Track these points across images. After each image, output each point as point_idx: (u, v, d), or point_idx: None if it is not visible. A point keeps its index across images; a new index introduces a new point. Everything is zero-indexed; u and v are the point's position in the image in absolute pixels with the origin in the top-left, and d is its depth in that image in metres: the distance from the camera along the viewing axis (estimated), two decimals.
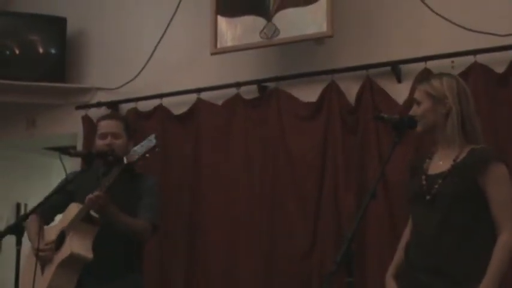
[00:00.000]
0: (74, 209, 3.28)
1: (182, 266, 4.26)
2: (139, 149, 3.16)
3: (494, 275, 2.43)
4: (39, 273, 3.22)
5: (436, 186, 2.58)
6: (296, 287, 3.89)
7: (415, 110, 2.69)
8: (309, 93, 4.08)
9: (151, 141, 3.15)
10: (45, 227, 3.40)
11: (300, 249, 3.90)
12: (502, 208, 2.51)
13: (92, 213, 3.21)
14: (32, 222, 3.32)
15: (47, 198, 3.13)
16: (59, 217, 3.47)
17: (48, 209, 3.37)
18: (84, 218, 3.19)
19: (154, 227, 3.36)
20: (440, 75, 2.75)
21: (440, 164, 2.65)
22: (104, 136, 3.44)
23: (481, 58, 3.54)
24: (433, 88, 2.67)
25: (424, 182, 2.64)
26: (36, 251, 3.20)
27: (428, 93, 2.67)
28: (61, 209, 3.42)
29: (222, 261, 4.13)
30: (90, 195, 3.11)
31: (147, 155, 3.15)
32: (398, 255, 2.78)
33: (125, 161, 3.17)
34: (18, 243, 2.95)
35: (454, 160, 2.59)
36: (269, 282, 3.96)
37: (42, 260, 3.25)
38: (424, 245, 2.58)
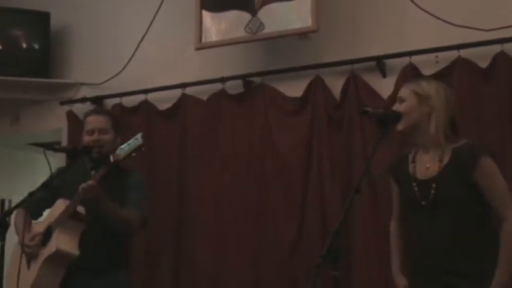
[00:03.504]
0: (60, 205, 3.28)
1: (169, 262, 4.26)
2: (125, 147, 3.15)
3: (507, 262, 2.50)
4: (25, 267, 3.23)
5: (433, 192, 2.61)
6: (283, 280, 3.90)
7: (398, 107, 2.72)
8: (294, 88, 4.08)
9: (137, 139, 3.15)
10: (33, 221, 3.40)
11: (286, 243, 3.91)
12: (499, 198, 2.58)
13: (79, 209, 3.21)
14: (19, 217, 3.32)
15: (32, 194, 3.12)
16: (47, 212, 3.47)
17: (36, 203, 3.37)
18: (70, 215, 3.19)
19: (143, 219, 3.37)
20: (430, 78, 2.79)
21: (428, 167, 2.67)
22: (91, 132, 3.43)
23: (465, 53, 3.56)
24: (420, 87, 2.72)
25: (416, 189, 2.66)
26: (22, 246, 3.20)
27: (414, 92, 2.71)
28: (50, 203, 3.42)
29: (209, 256, 4.13)
30: (84, 184, 3.10)
31: (134, 154, 3.15)
32: (396, 253, 2.84)
33: (112, 159, 3.17)
34: (2, 238, 2.94)
35: (440, 161, 2.62)
36: (256, 276, 3.97)
37: (29, 254, 3.26)
38: (436, 247, 2.59)
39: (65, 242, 3.17)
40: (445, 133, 2.65)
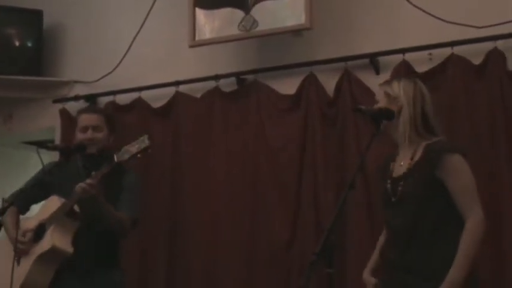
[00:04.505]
0: (54, 202, 3.25)
1: (163, 261, 4.24)
2: (130, 148, 3.12)
3: (462, 261, 2.48)
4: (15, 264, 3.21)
5: (400, 188, 2.64)
6: (277, 278, 3.89)
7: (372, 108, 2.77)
8: (287, 86, 4.08)
9: (144, 141, 3.12)
10: (21, 217, 3.38)
11: (280, 240, 3.90)
12: (463, 197, 2.56)
13: (74, 207, 3.19)
14: (8, 213, 3.28)
15: (23, 190, 3.10)
16: (33, 208, 3.44)
17: (25, 199, 3.34)
18: (66, 213, 3.17)
19: (133, 220, 3.35)
20: (400, 78, 2.87)
21: (401, 165, 2.71)
22: (84, 129, 3.39)
23: (458, 50, 3.57)
24: (390, 88, 2.77)
25: (388, 186, 2.71)
26: (15, 242, 3.17)
27: (385, 93, 2.77)
28: (37, 200, 3.40)
29: (203, 254, 4.12)
30: (82, 184, 3.06)
31: (139, 155, 3.13)
32: (376, 253, 2.88)
33: (116, 159, 3.13)
34: None
35: (411, 159, 2.66)
36: (250, 274, 3.96)
37: (20, 251, 3.22)
38: (398, 244, 2.63)
39: (60, 240, 3.16)
40: (416, 130, 2.67)
